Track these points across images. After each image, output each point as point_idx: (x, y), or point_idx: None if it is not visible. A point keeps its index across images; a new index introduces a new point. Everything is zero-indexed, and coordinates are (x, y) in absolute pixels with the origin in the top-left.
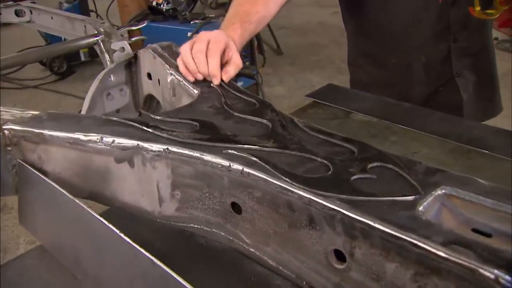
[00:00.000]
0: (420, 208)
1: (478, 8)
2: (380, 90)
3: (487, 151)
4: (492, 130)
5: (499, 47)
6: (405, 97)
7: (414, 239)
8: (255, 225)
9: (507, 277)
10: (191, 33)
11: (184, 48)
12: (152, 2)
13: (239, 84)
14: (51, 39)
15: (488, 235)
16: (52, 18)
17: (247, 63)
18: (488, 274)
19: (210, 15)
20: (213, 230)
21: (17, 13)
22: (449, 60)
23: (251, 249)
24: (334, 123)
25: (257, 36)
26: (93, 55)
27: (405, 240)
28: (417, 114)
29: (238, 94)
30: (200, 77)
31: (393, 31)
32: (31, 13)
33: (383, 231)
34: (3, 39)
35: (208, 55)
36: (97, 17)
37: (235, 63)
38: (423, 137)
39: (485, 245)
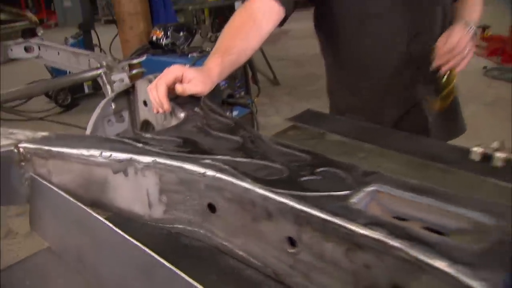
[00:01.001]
0: (353, 200)
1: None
2: (355, 115)
3: (442, 164)
4: (449, 147)
5: (487, 75)
6: (377, 121)
7: (343, 222)
8: (227, 221)
9: (407, 244)
10: (188, 65)
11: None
12: (152, 37)
13: (235, 113)
14: (56, 72)
15: (404, 220)
16: (58, 53)
17: (242, 93)
18: (394, 243)
19: (207, 48)
20: (194, 228)
21: (27, 49)
22: (414, 86)
23: (224, 243)
24: (310, 143)
25: (252, 67)
26: (96, 87)
27: (337, 223)
28: (384, 134)
29: (218, 117)
30: (160, 110)
31: (364, 62)
32: (39, 49)
33: (321, 217)
34: (11, 73)
35: (156, 89)
36: (100, 51)
37: (192, 84)
38: (388, 154)
39: (397, 225)
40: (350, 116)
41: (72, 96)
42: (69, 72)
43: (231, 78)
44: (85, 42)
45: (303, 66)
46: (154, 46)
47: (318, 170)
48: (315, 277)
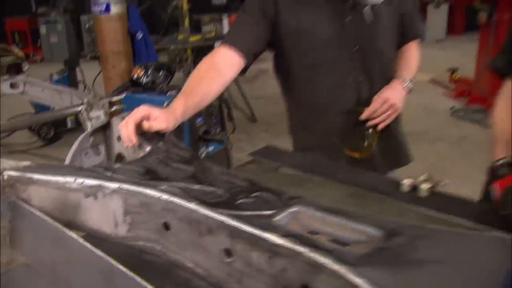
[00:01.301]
0: (277, 218)
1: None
2: (312, 152)
3: (377, 194)
4: (385, 180)
5: (454, 115)
6: (333, 157)
7: (265, 234)
8: (178, 237)
9: (309, 250)
10: (167, 102)
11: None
12: (133, 75)
13: (210, 148)
14: (40, 107)
15: (316, 234)
16: (42, 90)
17: (218, 130)
18: (300, 250)
19: None
20: (153, 244)
21: (12, 85)
22: (363, 124)
23: (177, 256)
24: (265, 176)
25: (227, 106)
26: (79, 122)
27: (261, 236)
28: (332, 167)
29: (177, 151)
30: (129, 144)
31: (317, 104)
32: (25, 85)
33: (249, 232)
34: None
35: (126, 126)
36: (84, 86)
37: (157, 122)
38: (332, 185)
39: (307, 237)
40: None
41: (55, 130)
42: (53, 108)
43: (208, 115)
44: (70, 79)
45: (280, 103)
46: (134, 84)
47: (253, 194)
48: (246, 282)
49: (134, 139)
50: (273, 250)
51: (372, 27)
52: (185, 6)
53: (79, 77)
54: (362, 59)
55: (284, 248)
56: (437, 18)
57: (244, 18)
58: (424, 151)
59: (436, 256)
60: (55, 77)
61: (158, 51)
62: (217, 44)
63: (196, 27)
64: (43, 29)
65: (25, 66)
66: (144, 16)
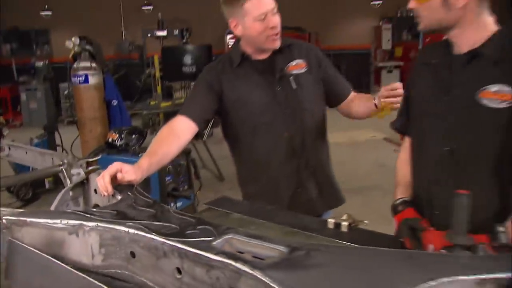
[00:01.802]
0: (214, 243)
1: None
2: (258, 199)
3: (308, 232)
4: (315, 220)
5: None
6: (275, 202)
7: (204, 253)
8: (142, 261)
9: (233, 261)
10: None
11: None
12: (108, 139)
13: (179, 204)
14: (20, 169)
15: (242, 253)
16: (26, 153)
17: (186, 187)
18: (228, 262)
19: None
20: (122, 271)
21: None
22: (298, 172)
23: (141, 278)
24: (218, 220)
25: (194, 165)
26: (56, 183)
27: (201, 255)
28: (273, 212)
29: (143, 198)
30: (105, 194)
31: (258, 158)
32: (10, 149)
33: (193, 252)
34: None
35: (103, 178)
36: (62, 150)
37: (128, 174)
38: (272, 226)
39: (234, 254)
40: (254, 201)
41: (33, 191)
42: (33, 168)
43: (176, 174)
44: (49, 142)
45: None
46: (109, 147)
47: (198, 227)
48: None
49: (109, 188)
50: (210, 265)
51: (298, 92)
52: (158, 74)
53: (57, 141)
54: (294, 118)
55: (218, 262)
56: (390, 82)
57: (196, 91)
58: (377, 204)
59: (324, 261)
60: (35, 141)
61: (133, 116)
62: None
63: (168, 93)
64: (23, 96)
65: (6, 131)
66: (119, 83)
